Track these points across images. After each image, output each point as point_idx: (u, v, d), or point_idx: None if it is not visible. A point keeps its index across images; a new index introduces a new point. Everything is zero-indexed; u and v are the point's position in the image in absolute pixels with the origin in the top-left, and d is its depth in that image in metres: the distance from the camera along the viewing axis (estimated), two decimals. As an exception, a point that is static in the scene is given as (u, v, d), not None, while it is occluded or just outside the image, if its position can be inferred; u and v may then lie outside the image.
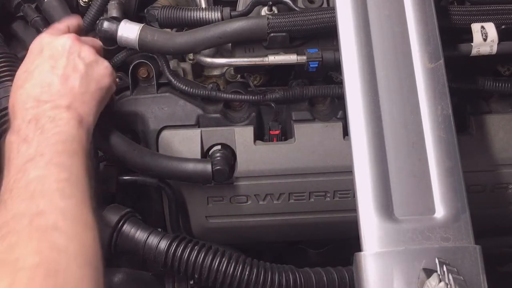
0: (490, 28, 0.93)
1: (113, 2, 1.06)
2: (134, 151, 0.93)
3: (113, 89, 0.89)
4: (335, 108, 1.04)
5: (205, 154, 1.01)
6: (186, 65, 1.10)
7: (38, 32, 1.05)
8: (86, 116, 0.79)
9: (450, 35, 0.92)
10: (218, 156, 0.97)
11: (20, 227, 0.61)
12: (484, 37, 0.93)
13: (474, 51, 0.94)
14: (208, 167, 0.93)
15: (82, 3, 1.07)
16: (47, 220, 0.62)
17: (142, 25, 0.97)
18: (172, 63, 1.09)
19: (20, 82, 0.80)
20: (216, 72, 1.10)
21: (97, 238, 0.66)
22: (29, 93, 0.78)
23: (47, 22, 1.06)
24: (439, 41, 0.82)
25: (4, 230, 0.61)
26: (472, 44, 0.93)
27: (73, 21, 0.94)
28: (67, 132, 0.74)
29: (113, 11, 1.07)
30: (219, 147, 1.01)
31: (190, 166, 0.94)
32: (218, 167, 0.93)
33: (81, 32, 0.96)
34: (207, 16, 0.99)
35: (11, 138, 0.73)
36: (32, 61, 0.83)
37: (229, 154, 1.00)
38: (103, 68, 0.86)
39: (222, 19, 0.99)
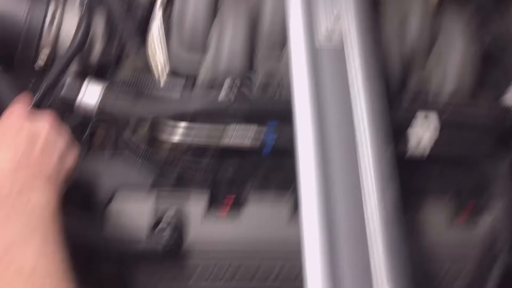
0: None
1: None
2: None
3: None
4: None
5: (158, 220, 1.02)
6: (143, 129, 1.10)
7: None
8: (59, 194, 0.81)
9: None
10: (167, 232, 0.99)
11: None
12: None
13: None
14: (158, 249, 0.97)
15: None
16: None
17: (102, 93, 0.98)
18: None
19: None
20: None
21: None
22: (5, 157, 0.78)
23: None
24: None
25: None
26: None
27: (25, 101, 0.92)
28: (50, 208, 0.76)
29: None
30: (170, 214, 1.03)
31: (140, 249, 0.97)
32: (168, 248, 0.97)
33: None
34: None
35: None
36: (11, 135, 0.83)
37: (180, 223, 1.02)
38: (73, 156, 0.90)
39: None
